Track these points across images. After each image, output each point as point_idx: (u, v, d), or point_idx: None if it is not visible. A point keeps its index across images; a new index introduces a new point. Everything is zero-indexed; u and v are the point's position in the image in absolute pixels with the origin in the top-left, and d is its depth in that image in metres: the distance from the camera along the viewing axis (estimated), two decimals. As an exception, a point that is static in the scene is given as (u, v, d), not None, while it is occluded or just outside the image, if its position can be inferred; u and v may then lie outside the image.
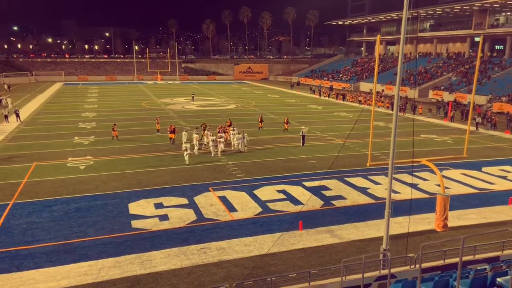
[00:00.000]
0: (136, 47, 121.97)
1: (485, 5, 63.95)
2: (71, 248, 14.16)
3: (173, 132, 29.94)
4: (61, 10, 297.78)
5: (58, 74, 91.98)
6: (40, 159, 25.60)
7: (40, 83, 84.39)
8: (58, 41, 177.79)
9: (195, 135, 27.84)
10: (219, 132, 28.46)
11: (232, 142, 28.42)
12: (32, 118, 41.43)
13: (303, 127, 30.49)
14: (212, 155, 26.32)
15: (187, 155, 24.44)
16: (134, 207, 17.76)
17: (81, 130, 34.90)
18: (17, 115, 38.86)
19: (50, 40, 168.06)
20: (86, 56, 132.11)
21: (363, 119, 37.83)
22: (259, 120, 35.47)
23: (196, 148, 27.04)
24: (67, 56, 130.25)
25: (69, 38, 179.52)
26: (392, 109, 44.78)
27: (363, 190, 20.17)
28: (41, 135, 32.87)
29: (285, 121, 34.72)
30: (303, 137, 29.32)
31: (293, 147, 29.10)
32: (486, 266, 9.25)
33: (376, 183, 21.19)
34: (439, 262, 10.57)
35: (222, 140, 26.89)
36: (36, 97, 59.61)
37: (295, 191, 19.91)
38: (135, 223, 16.15)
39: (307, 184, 20.87)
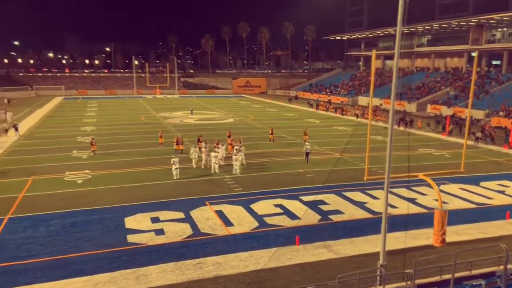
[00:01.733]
0: (136, 62, 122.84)
1: (482, 21, 64.74)
2: (66, 263, 14.04)
3: (179, 143, 30.98)
4: (62, 26, 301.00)
5: (58, 88, 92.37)
6: (38, 173, 25.54)
7: (40, 97, 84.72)
8: (59, 56, 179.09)
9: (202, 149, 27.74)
10: (215, 147, 28.52)
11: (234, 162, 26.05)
12: (31, 132, 41.49)
13: (307, 143, 30.38)
14: (212, 171, 25.77)
15: (176, 170, 24.23)
16: (131, 221, 17.66)
17: (79, 144, 34.91)
18: (16, 129, 38.92)
19: (51, 55, 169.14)
20: (86, 71, 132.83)
21: (361, 133, 37.89)
22: (270, 132, 36.61)
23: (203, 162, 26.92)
24: (67, 71, 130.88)
25: (70, 53, 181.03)
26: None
27: (361, 205, 20.10)
28: (39, 149, 32.86)
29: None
30: (307, 153, 28.51)
31: (294, 161, 29.09)
32: (482, 282, 9.19)
33: (374, 197, 21.12)
34: (436, 278, 10.49)
35: (218, 155, 26.60)
36: (35, 111, 59.80)
37: (292, 205, 19.83)
38: (131, 238, 16.05)
39: (304, 198, 20.80)
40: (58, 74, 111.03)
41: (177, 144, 31.26)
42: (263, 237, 16.29)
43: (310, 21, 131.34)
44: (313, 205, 19.63)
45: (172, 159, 24.59)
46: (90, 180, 24.11)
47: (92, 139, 32.18)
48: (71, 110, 61.68)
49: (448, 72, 72.86)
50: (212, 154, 26.09)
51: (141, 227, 17.09)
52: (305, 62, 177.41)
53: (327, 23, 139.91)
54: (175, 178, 24.14)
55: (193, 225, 17.25)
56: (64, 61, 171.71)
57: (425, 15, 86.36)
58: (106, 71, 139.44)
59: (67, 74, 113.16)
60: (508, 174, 26.24)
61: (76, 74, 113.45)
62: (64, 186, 22.82)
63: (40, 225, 17.29)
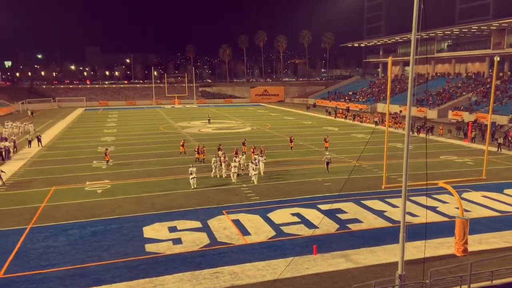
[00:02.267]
0: (155, 73, 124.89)
1: (503, 24, 63.43)
2: (86, 272, 14.22)
3: (200, 152, 31.65)
4: (83, 38, 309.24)
5: (80, 100, 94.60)
6: (59, 183, 26.08)
7: (63, 109, 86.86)
8: (81, 68, 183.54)
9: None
10: (236, 156, 28.59)
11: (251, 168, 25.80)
12: (53, 143, 42.48)
13: (327, 153, 30.14)
14: (233, 180, 25.56)
15: (193, 179, 24.35)
16: (149, 231, 17.81)
17: (99, 154, 35.45)
18: (39, 140, 39.90)
19: (73, 67, 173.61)
20: (107, 82, 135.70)
21: (380, 140, 37.41)
22: (290, 140, 36.78)
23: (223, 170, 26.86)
24: (88, 83, 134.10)
25: (91, 65, 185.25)
26: (412, 131, 44.28)
27: (380, 213, 19.77)
28: (61, 160, 33.60)
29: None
30: (328, 163, 28.07)
31: (312, 170, 28.91)
32: (506, 293, 8.88)
33: (394, 206, 20.74)
34: (456, 289, 10.20)
35: (237, 164, 26.51)
36: (58, 122, 61.30)
37: (310, 214, 19.66)
38: (149, 247, 16.17)
39: (322, 207, 20.60)
40: (80, 86, 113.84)
41: (198, 153, 31.77)
42: (280, 246, 16.17)
43: (327, 29, 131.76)
44: (331, 214, 19.41)
45: (190, 169, 24.73)
46: (109, 190, 24.47)
47: (106, 149, 32.69)
48: (92, 121, 62.97)
49: (469, 77, 71.46)
50: (232, 164, 26.04)
51: (159, 236, 17.20)
52: (323, 69, 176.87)
53: (344, 30, 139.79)
54: (192, 187, 24.27)
55: (210, 234, 17.27)
56: (85, 73, 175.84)
57: (444, 19, 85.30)
58: (126, 82, 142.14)
59: (88, 86, 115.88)
60: (533, 181, 25.42)
61: (97, 86, 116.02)
62: (84, 196, 23.23)
63: (60, 234, 17.60)
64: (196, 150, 32.24)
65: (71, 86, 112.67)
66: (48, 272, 14.24)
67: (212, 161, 27.25)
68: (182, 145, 34.93)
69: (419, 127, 45.98)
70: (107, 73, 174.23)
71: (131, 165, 30.97)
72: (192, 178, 24.35)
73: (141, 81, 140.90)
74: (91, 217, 19.71)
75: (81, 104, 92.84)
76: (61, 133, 49.58)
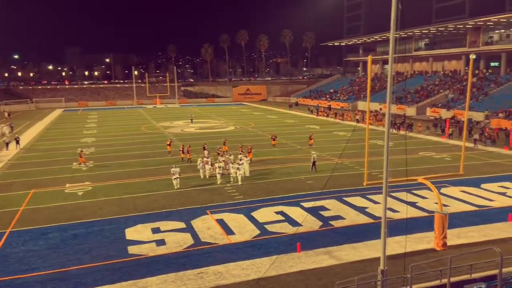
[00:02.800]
0: (136, 72, 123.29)
1: (479, 23, 64.96)
2: (67, 276, 14.00)
3: (187, 152, 31.45)
4: (61, 38, 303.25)
5: (58, 100, 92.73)
6: (39, 186, 25.57)
7: (41, 110, 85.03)
8: (59, 68, 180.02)
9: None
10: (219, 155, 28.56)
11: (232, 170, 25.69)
12: (31, 145, 41.58)
13: (313, 152, 30.32)
14: (218, 183, 25.14)
15: (176, 179, 24.15)
16: (131, 232, 17.64)
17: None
18: (17, 142, 39.01)
19: (50, 67, 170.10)
20: (86, 82, 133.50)
21: (361, 137, 37.89)
22: (272, 139, 37.40)
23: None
24: (67, 83, 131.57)
25: (70, 65, 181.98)
26: (393, 128, 44.99)
27: (362, 210, 20.05)
28: (40, 162, 32.92)
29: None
30: (314, 162, 28.01)
31: (295, 168, 29.09)
32: (483, 285, 9.13)
33: (375, 202, 21.06)
34: (436, 282, 10.43)
35: (221, 164, 26.28)
36: (36, 124, 60.00)
37: (294, 212, 19.79)
38: (132, 249, 16.01)
39: (305, 204, 20.76)
40: (58, 87, 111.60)
41: (182, 152, 31.76)
42: (264, 244, 16.24)
43: (308, 28, 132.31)
44: (314, 211, 19.59)
45: (172, 169, 24.56)
46: (90, 192, 24.11)
47: (81, 151, 32.14)
48: (71, 122, 61.87)
49: (446, 75, 72.98)
50: (216, 164, 25.92)
51: (141, 238, 17.05)
52: (304, 68, 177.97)
53: (325, 29, 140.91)
54: (175, 188, 24.12)
55: (194, 235, 17.21)
56: (63, 73, 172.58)
57: (421, 18, 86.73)
58: (106, 82, 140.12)
59: (67, 86, 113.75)
60: (509, 176, 26.16)
61: (76, 86, 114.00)
62: (64, 198, 22.83)
63: (40, 238, 17.28)
64: (181, 149, 32.13)
65: (49, 87, 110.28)
66: (28, 276, 13.96)
67: (198, 162, 27.05)
68: (169, 145, 34.93)
69: (399, 124, 46.76)
70: (86, 73, 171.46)
71: (112, 167, 30.57)
72: (175, 178, 24.18)
73: (121, 81, 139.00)
74: (72, 219, 19.39)
75: (60, 105, 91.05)
76: (40, 135, 48.56)
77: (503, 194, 22.37)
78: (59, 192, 24.23)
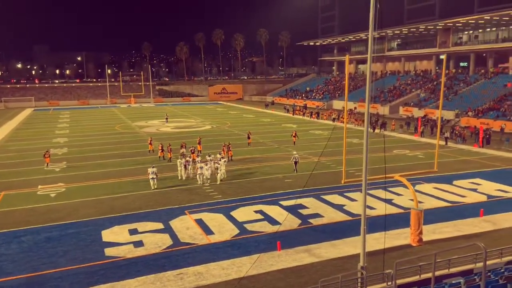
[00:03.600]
0: (109, 71, 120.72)
1: (448, 24, 66.91)
2: (42, 280, 13.58)
3: (167, 151, 31.18)
4: (30, 36, 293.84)
5: (28, 100, 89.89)
6: (9, 188, 24.70)
7: (10, 109, 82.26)
8: (28, 67, 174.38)
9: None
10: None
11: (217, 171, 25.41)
12: (1, 145, 40.13)
13: (294, 152, 30.31)
14: (199, 182, 24.73)
15: (153, 179, 23.73)
16: (108, 234, 17.27)
17: (52, 156, 33.90)
18: (-16, 143, 37.60)
19: (19, 65, 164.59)
20: (57, 81, 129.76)
21: (338, 136, 38.40)
22: (247, 137, 37.47)
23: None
24: (37, 82, 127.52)
25: (40, 63, 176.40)
26: (372, 127, 45.80)
27: (340, 207, 20.30)
28: (10, 163, 31.81)
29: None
30: (296, 162, 27.48)
31: (273, 166, 29.17)
32: (461, 280, 9.39)
33: (352, 199, 21.38)
34: (415, 278, 10.66)
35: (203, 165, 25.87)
36: (5, 123, 57.94)
37: (272, 211, 19.84)
38: (109, 251, 15.68)
39: (284, 203, 20.85)
40: (28, 85, 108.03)
41: (162, 151, 31.46)
42: (244, 244, 16.22)
43: (284, 27, 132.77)
44: (293, 210, 19.70)
45: (149, 169, 24.17)
46: (64, 193, 23.47)
47: (46, 151, 31.15)
48: (42, 122, 60.08)
49: (418, 74, 74.82)
50: (198, 164, 25.51)
51: (118, 239, 16.72)
52: (280, 68, 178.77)
53: (300, 29, 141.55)
54: (152, 188, 23.77)
55: (173, 235, 17.01)
56: (33, 72, 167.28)
57: (394, 19, 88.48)
58: (78, 80, 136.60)
59: (37, 85, 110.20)
60: (479, 172, 27.06)
61: (46, 85, 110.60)
62: (36, 201, 22.14)
63: (12, 241, 16.69)
64: (160, 148, 31.76)
65: (18, 86, 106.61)
66: (1, 281, 13.46)
67: (178, 163, 26.63)
68: (150, 143, 34.70)
69: (374, 124, 47.61)
70: (57, 71, 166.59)
71: (86, 167, 29.86)
72: (152, 178, 23.80)
73: (94, 80, 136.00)
74: (45, 222, 18.83)
75: (30, 104, 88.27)
76: (9, 135, 46.92)
77: (474, 190, 23.11)
78: (31, 194, 23.47)
